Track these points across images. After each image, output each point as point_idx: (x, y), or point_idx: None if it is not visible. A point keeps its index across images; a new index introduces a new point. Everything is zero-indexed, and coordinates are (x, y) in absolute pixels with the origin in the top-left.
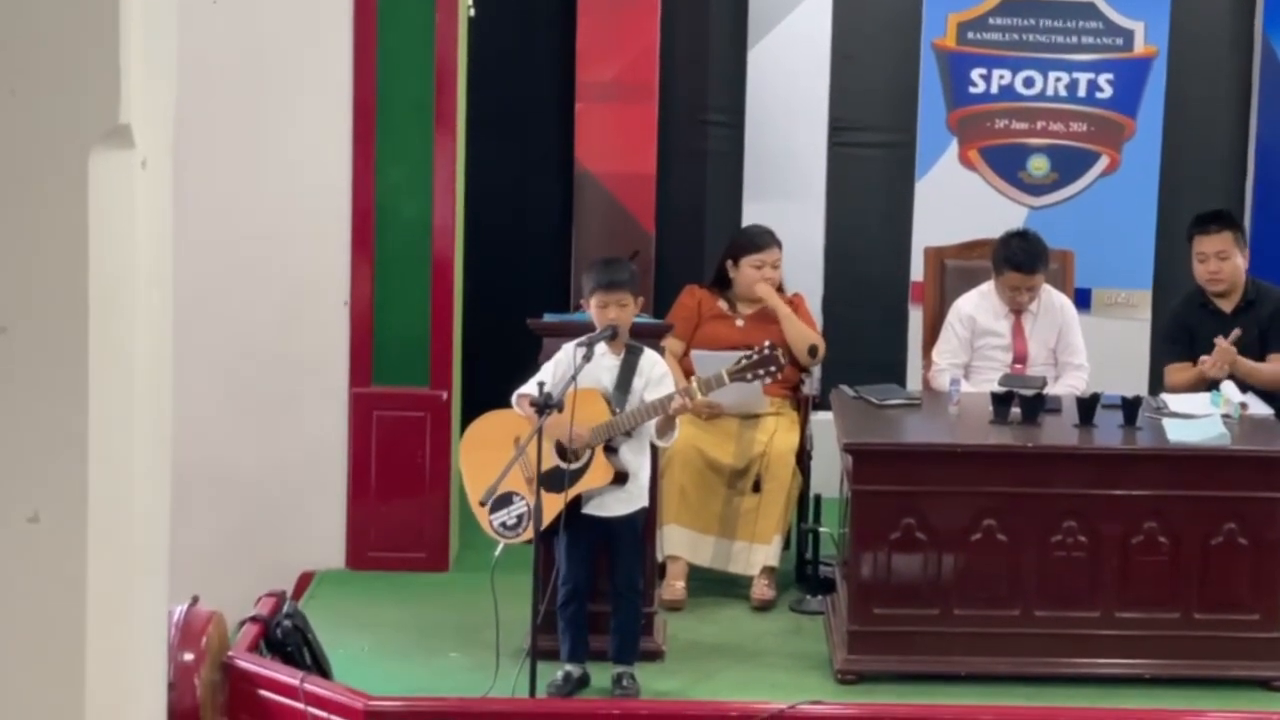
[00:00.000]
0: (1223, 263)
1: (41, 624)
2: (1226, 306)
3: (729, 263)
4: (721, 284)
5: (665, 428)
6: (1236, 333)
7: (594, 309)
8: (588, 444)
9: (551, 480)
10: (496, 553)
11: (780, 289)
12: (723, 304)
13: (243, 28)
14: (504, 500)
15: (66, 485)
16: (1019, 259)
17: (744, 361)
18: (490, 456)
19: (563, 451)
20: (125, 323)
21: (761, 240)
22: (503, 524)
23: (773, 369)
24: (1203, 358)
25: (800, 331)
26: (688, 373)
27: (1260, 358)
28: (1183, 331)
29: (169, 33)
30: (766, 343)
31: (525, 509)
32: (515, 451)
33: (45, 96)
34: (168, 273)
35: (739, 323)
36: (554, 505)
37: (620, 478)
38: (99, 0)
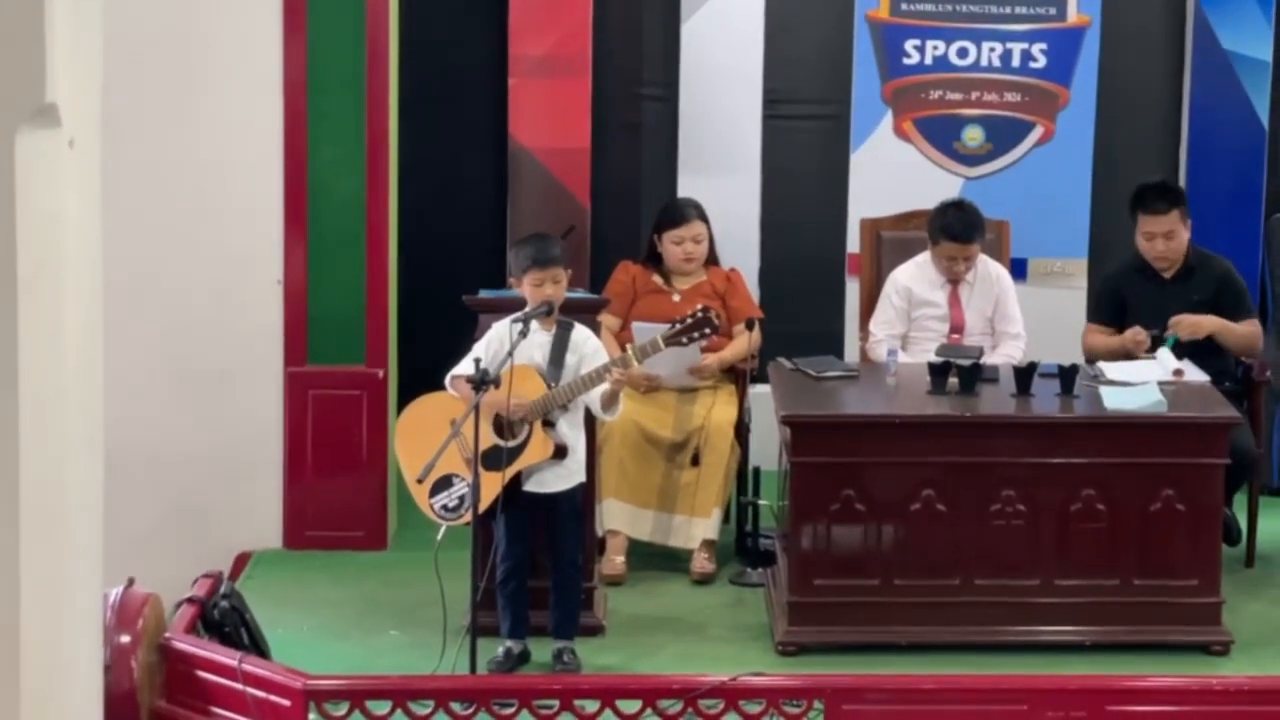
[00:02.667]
0: (1170, 242)
1: None
2: (1167, 273)
3: (655, 237)
4: (655, 258)
5: (609, 401)
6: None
7: (528, 287)
8: (525, 418)
9: (490, 458)
10: (439, 535)
11: (713, 261)
12: (657, 278)
13: (171, 5)
14: (444, 482)
15: None
16: (955, 229)
17: (678, 326)
18: (426, 441)
19: (500, 429)
20: (55, 304)
21: (680, 214)
22: (444, 506)
23: (707, 330)
24: (1135, 329)
25: (737, 355)
26: (625, 347)
27: None
28: (1114, 297)
29: (95, 10)
30: (700, 305)
31: (466, 490)
32: (453, 430)
33: None
34: (97, 253)
35: (675, 297)
36: (494, 483)
37: (560, 451)
38: None
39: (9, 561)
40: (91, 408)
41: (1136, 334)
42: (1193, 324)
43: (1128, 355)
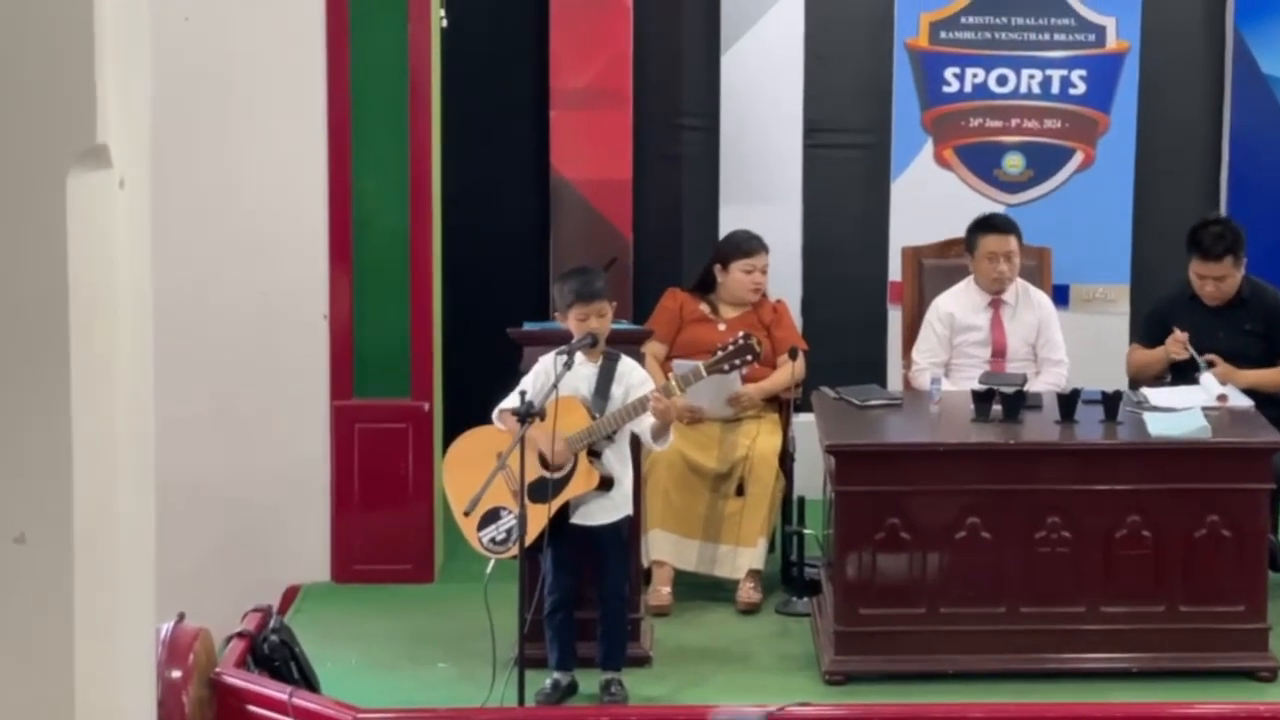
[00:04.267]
0: (1220, 284)
1: (29, 645)
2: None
3: (717, 266)
4: (705, 287)
5: (659, 431)
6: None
7: (573, 321)
8: (570, 450)
9: (537, 490)
10: (488, 569)
11: (764, 295)
12: (705, 307)
13: (216, 43)
14: (491, 515)
15: (52, 505)
16: (993, 222)
17: (719, 353)
18: (473, 474)
19: (546, 461)
20: (106, 342)
21: (751, 245)
22: (492, 539)
23: (748, 357)
24: (1176, 333)
25: (780, 384)
26: (669, 376)
27: (1250, 356)
28: (1160, 324)
29: (143, 51)
30: (741, 333)
31: (513, 523)
32: (499, 463)
33: (21, 119)
34: (147, 290)
35: (721, 326)
36: (540, 515)
37: (605, 483)
38: (73, 21)
39: (63, 598)
40: (143, 445)
41: (1177, 337)
42: (1227, 373)
43: (1170, 369)
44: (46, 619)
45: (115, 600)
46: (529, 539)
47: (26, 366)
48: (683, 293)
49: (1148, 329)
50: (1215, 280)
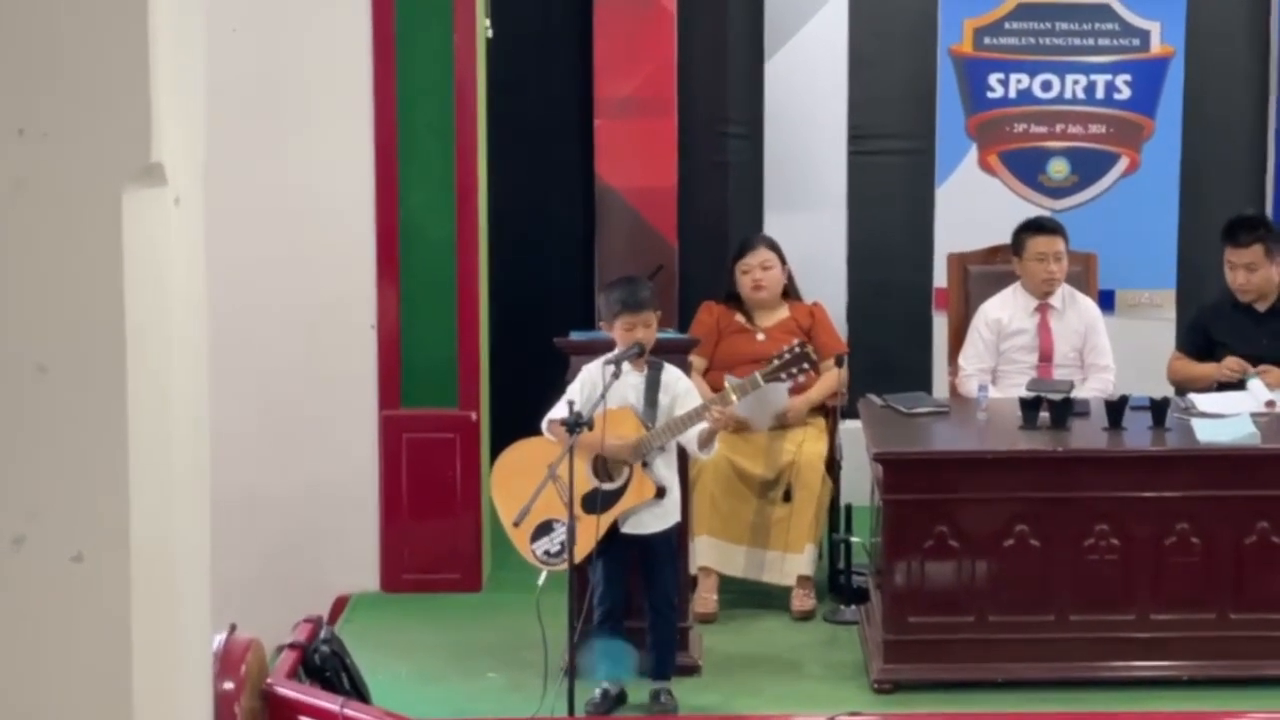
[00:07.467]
0: (1251, 274)
1: (87, 661)
2: (1261, 307)
3: (731, 276)
4: (736, 297)
5: (706, 440)
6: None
7: (619, 331)
8: (627, 461)
9: (591, 502)
10: (540, 580)
11: (795, 296)
12: (740, 318)
13: (263, 55)
14: (545, 528)
15: (109, 522)
16: (1040, 222)
17: (776, 362)
18: (523, 485)
19: (599, 472)
20: (162, 358)
21: (744, 245)
22: (546, 552)
23: (805, 365)
24: (1227, 360)
25: (825, 393)
26: (714, 388)
27: None
28: (1202, 331)
29: (198, 69)
30: (796, 340)
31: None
32: (548, 474)
33: (77, 138)
34: (202, 306)
35: (760, 336)
36: (595, 527)
37: (660, 492)
38: (128, 42)
39: (120, 615)
40: (198, 459)
41: (1232, 364)
42: (1276, 380)
43: (1217, 384)
44: (104, 635)
45: (173, 616)
46: (584, 551)
47: (83, 384)
48: (717, 305)
49: (1190, 337)
50: (1245, 269)
